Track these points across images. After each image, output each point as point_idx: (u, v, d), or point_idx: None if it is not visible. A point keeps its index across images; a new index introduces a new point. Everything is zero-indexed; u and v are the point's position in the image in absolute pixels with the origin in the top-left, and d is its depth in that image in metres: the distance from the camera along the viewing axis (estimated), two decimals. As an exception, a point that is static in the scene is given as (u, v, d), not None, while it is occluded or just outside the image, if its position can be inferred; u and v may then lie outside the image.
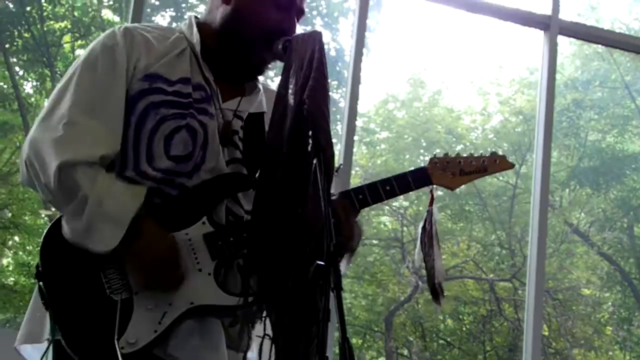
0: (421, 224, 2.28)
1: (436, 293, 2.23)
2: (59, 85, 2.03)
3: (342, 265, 2.14)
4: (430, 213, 2.26)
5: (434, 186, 2.23)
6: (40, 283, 1.90)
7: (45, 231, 1.95)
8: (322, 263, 1.57)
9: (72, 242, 1.90)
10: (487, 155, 2.29)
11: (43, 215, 10.62)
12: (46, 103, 2.00)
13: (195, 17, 2.22)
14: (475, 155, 2.29)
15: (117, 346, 1.82)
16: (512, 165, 2.29)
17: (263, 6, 2.11)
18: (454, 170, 2.23)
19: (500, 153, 2.30)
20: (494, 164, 2.26)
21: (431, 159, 2.22)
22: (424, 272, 2.26)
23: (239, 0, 2.13)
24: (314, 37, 1.95)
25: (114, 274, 1.91)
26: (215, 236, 1.97)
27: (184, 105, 2.01)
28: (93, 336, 1.86)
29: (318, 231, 1.64)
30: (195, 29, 2.15)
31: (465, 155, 2.29)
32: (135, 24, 2.18)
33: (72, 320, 1.87)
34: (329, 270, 1.56)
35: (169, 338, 1.90)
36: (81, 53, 2.09)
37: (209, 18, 2.20)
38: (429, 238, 2.25)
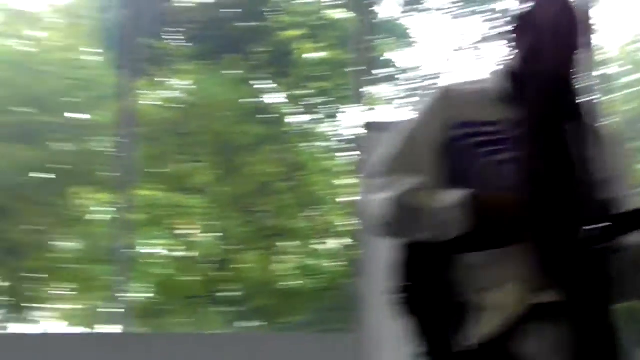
0: None
1: None
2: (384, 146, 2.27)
3: None
4: None
5: None
6: (406, 296, 2.09)
7: (406, 252, 2.14)
8: (603, 225, 1.65)
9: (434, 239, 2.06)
10: None
11: (303, 218, 11.01)
12: (371, 162, 2.26)
13: (504, 65, 2.35)
14: None
15: (463, 345, 1.98)
16: None
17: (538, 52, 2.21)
18: None
19: None
20: None
21: None
22: None
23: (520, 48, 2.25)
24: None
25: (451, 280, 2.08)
26: None
27: (495, 143, 2.15)
28: (447, 341, 2.04)
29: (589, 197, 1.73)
30: (499, 76, 2.28)
31: None
32: (455, 82, 2.37)
33: (430, 330, 2.08)
34: (613, 232, 1.64)
35: (517, 337, 1.98)
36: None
37: (509, 63, 2.32)
38: None
